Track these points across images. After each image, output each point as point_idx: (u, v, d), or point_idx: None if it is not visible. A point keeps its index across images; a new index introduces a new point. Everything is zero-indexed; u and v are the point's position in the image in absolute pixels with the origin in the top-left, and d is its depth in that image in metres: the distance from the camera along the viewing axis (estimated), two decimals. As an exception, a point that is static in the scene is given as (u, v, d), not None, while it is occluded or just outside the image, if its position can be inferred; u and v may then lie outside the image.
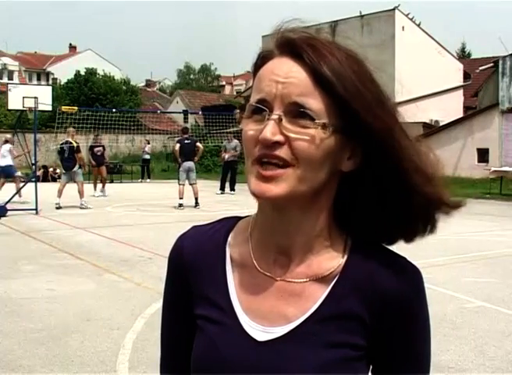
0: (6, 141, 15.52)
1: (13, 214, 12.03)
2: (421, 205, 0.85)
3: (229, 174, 18.17)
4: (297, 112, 0.79)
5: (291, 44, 0.82)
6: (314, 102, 0.79)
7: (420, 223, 0.88)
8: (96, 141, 17.83)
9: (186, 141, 14.08)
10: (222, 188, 17.97)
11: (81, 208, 13.60)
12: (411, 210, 0.85)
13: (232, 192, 17.86)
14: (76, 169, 14.03)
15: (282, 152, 0.79)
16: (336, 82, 0.79)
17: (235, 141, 18.02)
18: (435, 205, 0.86)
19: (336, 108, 0.80)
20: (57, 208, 13.31)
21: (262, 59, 0.85)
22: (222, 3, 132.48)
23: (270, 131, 0.78)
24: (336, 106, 0.80)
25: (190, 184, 13.91)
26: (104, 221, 11.65)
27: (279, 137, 0.78)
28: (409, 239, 0.90)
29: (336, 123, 0.80)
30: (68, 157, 13.99)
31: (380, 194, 0.86)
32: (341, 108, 0.80)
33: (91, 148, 17.53)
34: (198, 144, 14.66)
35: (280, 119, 0.78)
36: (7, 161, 14.79)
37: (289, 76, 0.79)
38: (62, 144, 14.25)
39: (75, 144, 14.05)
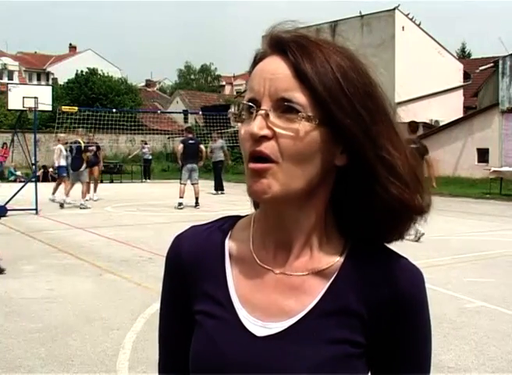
0: (58, 140, 15.83)
1: (13, 214, 12.04)
2: (389, 207, 0.84)
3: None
4: (285, 107, 0.80)
5: (280, 42, 0.83)
6: (300, 96, 0.80)
7: (388, 227, 0.87)
8: (89, 140, 17.30)
9: (190, 142, 14.09)
10: (217, 189, 17.95)
11: (81, 208, 13.64)
12: (382, 212, 0.84)
13: (220, 192, 17.73)
14: (82, 169, 14.20)
15: (268, 148, 0.79)
16: (316, 78, 0.80)
17: (220, 141, 17.95)
18: (402, 210, 0.85)
19: (319, 103, 0.80)
20: (61, 205, 13.52)
21: (257, 60, 0.86)
22: (222, 3, 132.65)
23: (257, 126, 0.79)
24: (318, 101, 0.80)
25: (192, 184, 13.91)
26: (104, 221, 11.65)
27: (265, 132, 0.79)
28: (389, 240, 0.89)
29: (321, 117, 0.80)
30: (75, 157, 14.17)
31: (362, 191, 0.85)
32: (323, 103, 0.81)
33: (85, 148, 17.07)
34: (202, 146, 14.67)
35: (267, 114, 0.80)
36: (59, 161, 15.24)
37: (276, 72, 0.81)
38: (70, 143, 14.44)
39: (82, 144, 14.26)
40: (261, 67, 0.84)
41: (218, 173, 18.13)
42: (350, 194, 0.87)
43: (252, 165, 0.81)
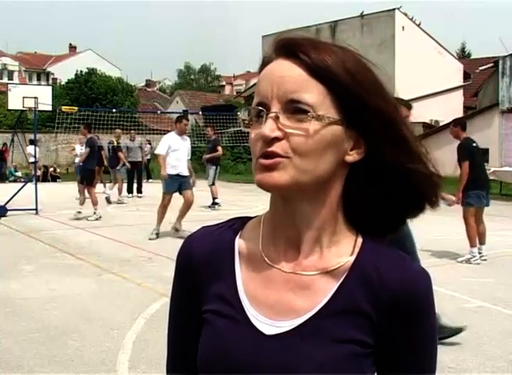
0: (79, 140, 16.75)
1: (13, 214, 12.03)
2: (418, 184, 0.88)
3: (135, 176, 16.82)
4: (294, 108, 0.81)
5: (286, 45, 0.85)
6: (309, 96, 0.81)
7: (424, 202, 0.91)
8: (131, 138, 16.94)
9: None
10: (131, 191, 16.72)
11: (118, 203, 14.77)
12: (414, 191, 0.89)
13: (140, 195, 16.64)
14: (118, 167, 15.34)
15: (280, 148, 0.81)
16: (335, 68, 0.82)
17: (138, 140, 16.80)
18: (429, 182, 0.90)
19: (333, 99, 0.82)
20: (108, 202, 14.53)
21: (264, 64, 0.88)
22: (222, 3, 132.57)
23: (268, 128, 0.81)
24: (333, 96, 0.82)
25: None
26: (104, 221, 11.64)
27: (276, 133, 0.81)
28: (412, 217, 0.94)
29: (333, 114, 0.82)
30: (111, 156, 15.57)
31: (385, 181, 0.88)
32: (339, 96, 0.82)
33: (118, 147, 16.30)
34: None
35: (277, 117, 0.81)
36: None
37: (283, 75, 0.82)
38: (108, 143, 15.96)
39: (115, 144, 15.63)
40: (267, 71, 0.85)
41: (139, 175, 16.93)
42: (363, 189, 0.89)
43: (263, 160, 0.82)
